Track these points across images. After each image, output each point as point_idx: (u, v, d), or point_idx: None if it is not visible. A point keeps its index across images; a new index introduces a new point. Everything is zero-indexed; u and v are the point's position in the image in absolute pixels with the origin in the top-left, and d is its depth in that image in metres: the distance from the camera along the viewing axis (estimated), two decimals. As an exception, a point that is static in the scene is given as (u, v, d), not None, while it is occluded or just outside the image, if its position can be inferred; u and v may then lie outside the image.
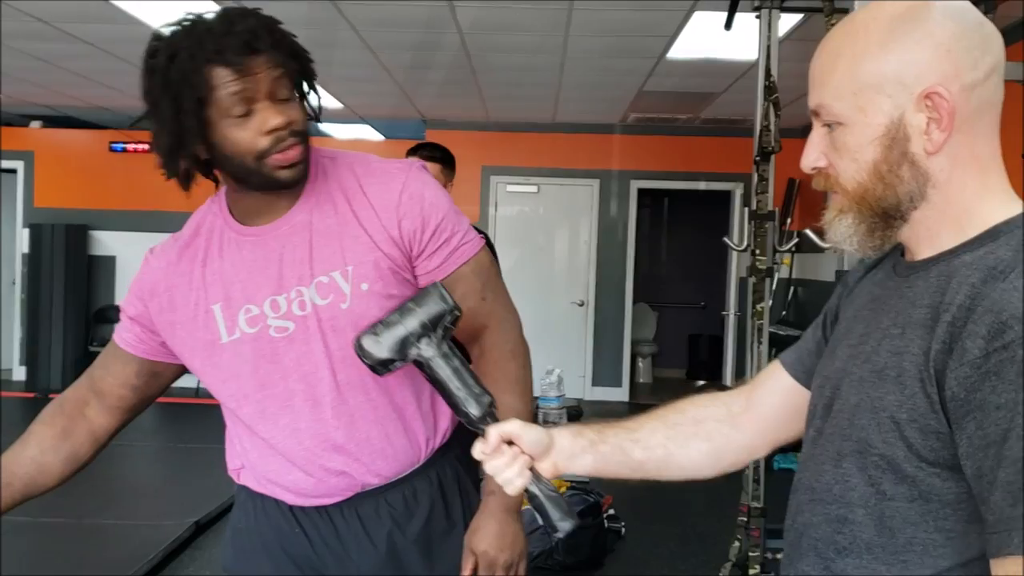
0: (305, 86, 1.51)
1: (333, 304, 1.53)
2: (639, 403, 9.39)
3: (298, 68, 1.48)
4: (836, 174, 1.09)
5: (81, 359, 9.27)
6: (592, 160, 9.23)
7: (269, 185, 1.50)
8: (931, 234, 1.06)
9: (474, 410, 1.25)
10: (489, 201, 9.23)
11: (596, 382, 9.29)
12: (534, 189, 9.26)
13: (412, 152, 3.66)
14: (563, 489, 4.75)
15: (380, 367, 1.31)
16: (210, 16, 1.45)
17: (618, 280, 9.30)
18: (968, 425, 0.93)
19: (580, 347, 9.27)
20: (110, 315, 9.55)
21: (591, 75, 6.82)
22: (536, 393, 5.60)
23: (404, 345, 1.28)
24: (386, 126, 9.35)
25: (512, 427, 1.23)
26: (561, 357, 8.37)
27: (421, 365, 1.29)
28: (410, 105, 8.29)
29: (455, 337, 1.34)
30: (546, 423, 5.45)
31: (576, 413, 5.69)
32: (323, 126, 9.28)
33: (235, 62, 1.40)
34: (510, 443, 1.23)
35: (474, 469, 1.48)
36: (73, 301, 9.19)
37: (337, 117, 8.55)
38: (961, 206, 1.04)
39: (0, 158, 9.55)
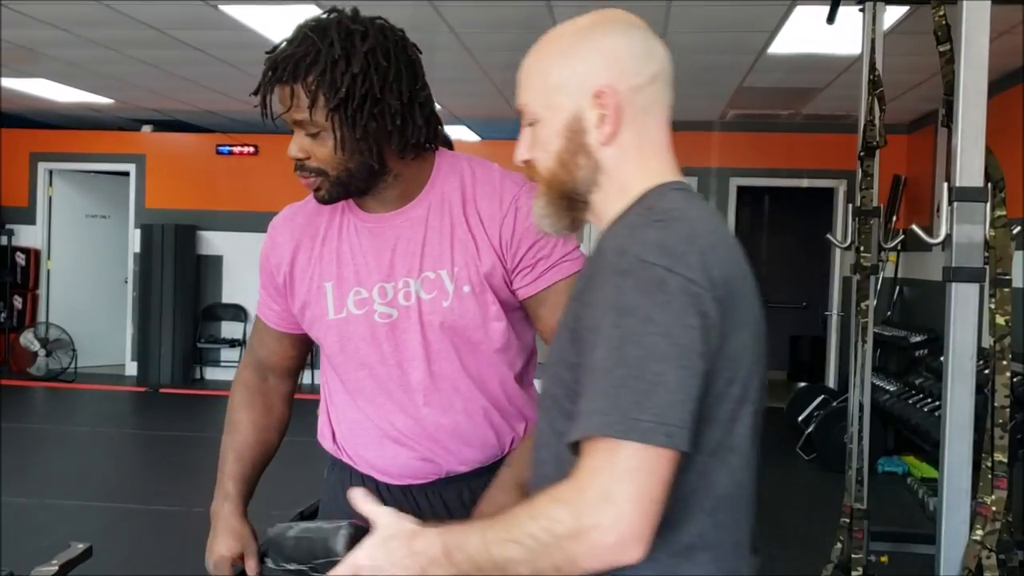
0: (360, 116, 1.49)
1: (436, 300, 1.59)
2: (737, 404, 9.25)
3: (342, 101, 1.47)
4: (536, 165, 1.25)
5: (190, 355, 9.61)
6: (690, 158, 9.11)
7: None
8: (603, 213, 1.24)
9: None
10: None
11: (693, 382, 9.18)
12: (630, 188, 9.20)
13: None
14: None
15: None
16: (292, 35, 1.54)
17: (716, 279, 9.17)
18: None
19: (677, 347, 9.16)
20: (218, 312, 9.88)
21: (689, 72, 6.75)
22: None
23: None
24: (483, 126, 9.41)
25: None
26: (657, 357, 8.30)
27: None
28: (507, 105, 8.33)
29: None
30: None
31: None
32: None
33: (272, 89, 1.52)
34: None
35: None
36: (182, 299, 9.53)
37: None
38: (622, 187, 1.22)
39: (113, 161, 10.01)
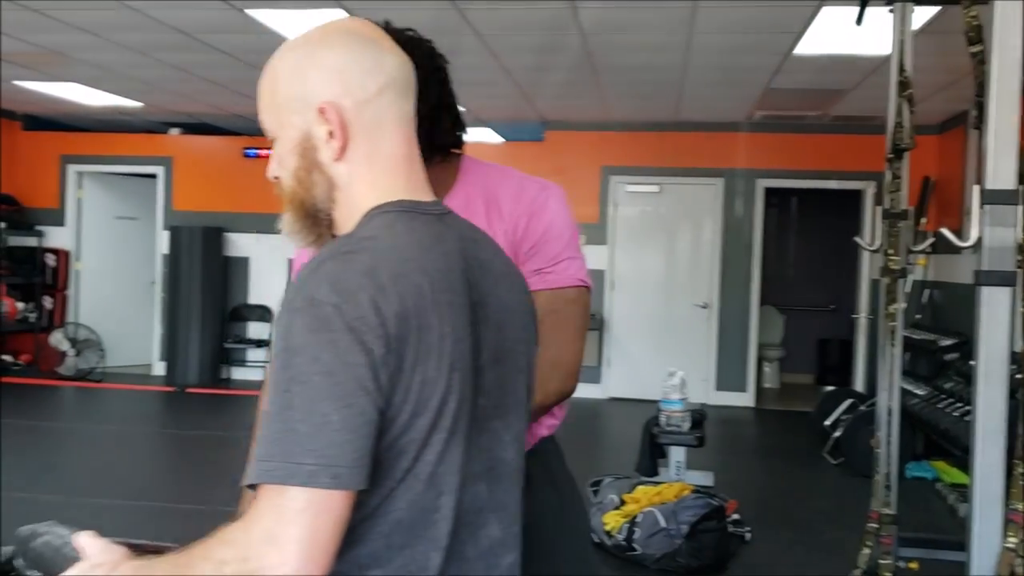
0: None
1: None
2: (765, 408, 9.19)
3: None
4: (281, 182, 1.25)
5: (217, 355, 9.67)
6: (716, 159, 9.08)
7: None
8: (343, 230, 1.21)
9: None
10: (609, 201, 9.20)
11: (720, 386, 9.14)
12: (656, 189, 9.17)
13: None
14: (686, 492, 4.69)
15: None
16: None
17: (743, 282, 9.13)
18: None
19: (703, 350, 9.13)
20: (244, 313, 9.94)
21: (716, 73, 6.72)
22: (657, 396, 5.55)
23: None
24: (506, 128, 9.41)
25: None
26: (683, 360, 8.25)
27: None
28: (530, 107, 8.32)
29: None
30: (669, 426, 5.39)
31: (699, 417, 5.61)
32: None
33: None
34: None
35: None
36: (210, 300, 9.59)
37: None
38: (355, 205, 1.20)
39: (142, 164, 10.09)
